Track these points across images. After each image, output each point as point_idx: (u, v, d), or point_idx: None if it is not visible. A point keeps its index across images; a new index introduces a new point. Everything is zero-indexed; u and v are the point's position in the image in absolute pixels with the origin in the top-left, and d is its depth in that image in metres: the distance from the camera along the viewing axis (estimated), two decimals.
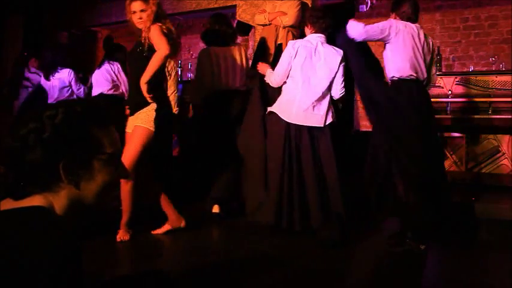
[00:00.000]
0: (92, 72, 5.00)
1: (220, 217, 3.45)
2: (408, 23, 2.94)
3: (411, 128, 2.85)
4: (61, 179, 0.98)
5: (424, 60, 2.93)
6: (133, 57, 2.95)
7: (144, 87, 2.79)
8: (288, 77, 3.18)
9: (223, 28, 3.74)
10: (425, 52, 2.95)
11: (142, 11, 2.83)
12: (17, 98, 5.05)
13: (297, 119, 3.10)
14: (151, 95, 2.80)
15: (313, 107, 3.11)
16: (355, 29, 2.93)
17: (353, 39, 2.94)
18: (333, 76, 3.13)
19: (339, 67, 3.14)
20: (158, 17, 2.86)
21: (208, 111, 3.68)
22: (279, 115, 3.14)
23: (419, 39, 2.92)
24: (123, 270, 2.46)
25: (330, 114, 3.14)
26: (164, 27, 2.82)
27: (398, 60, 2.91)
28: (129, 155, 2.78)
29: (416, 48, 2.91)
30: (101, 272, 2.18)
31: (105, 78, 4.57)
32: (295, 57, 3.14)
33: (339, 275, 2.40)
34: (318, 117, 3.11)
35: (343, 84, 3.17)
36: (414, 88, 2.90)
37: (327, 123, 3.11)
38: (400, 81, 2.91)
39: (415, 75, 2.90)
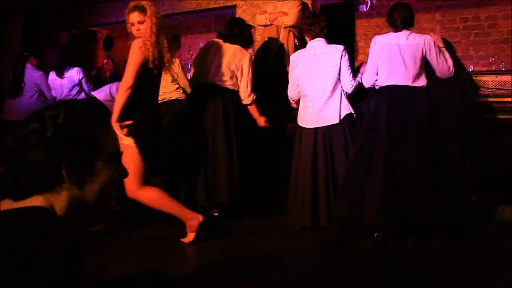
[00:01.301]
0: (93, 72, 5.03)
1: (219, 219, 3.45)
2: (386, 34, 3.09)
3: (382, 134, 2.94)
4: (62, 180, 0.97)
5: (408, 64, 2.97)
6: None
7: (115, 127, 2.63)
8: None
9: (240, 30, 3.60)
10: (410, 55, 2.97)
11: (140, 22, 2.74)
12: (18, 97, 5.03)
13: (311, 123, 3.21)
14: (125, 132, 2.68)
15: (325, 107, 3.18)
16: (365, 81, 3.12)
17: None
18: (337, 73, 3.17)
19: (340, 63, 3.17)
20: (159, 31, 2.75)
21: (190, 107, 3.58)
22: (298, 123, 3.30)
23: (398, 45, 2.99)
24: (123, 270, 2.45)
25: (344, 107, 3.17)
26: (144, 48, 2.68)
27: (378, 72, 3.06)
28: (131, 174, 2.74)
29: (395, 55, 2.99)
30: (101, 272, 2.18)
31: (105, 92, 4.58)
32: (298, 68, 3.28)
33: (339, 275, 2.40)
34: (330, 116, 3.16)
35: (351, 77, 3.17)
36: (393, 93, 2.99)
37: (342, 118, 3.15)
38: (381, 89, 3.06)
39: (394, 82, 2.98)
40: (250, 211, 3.53)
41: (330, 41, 3.28)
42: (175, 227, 3.25)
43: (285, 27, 4.09)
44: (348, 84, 3.16)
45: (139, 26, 2.75)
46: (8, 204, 0.95)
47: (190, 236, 2.86)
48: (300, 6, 4.15)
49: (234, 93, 3.52)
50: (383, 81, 3.04)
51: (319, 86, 3.19)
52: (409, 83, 2.97)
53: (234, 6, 5.20)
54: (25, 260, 0.83)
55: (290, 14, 4.09)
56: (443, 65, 2.99)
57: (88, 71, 6.13)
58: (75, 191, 0.99)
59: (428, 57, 2.99)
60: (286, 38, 4.12)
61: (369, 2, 5.36)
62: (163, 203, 2.82)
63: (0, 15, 6.41)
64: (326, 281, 2.30)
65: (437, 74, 3.02)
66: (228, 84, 3.46)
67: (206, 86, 3.47)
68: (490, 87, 4.25)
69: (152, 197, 2.81)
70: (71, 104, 1.03)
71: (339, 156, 3.12)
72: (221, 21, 6.49)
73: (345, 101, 3.18)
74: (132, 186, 2.75)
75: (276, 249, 2.81)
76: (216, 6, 5.43)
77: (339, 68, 3.17)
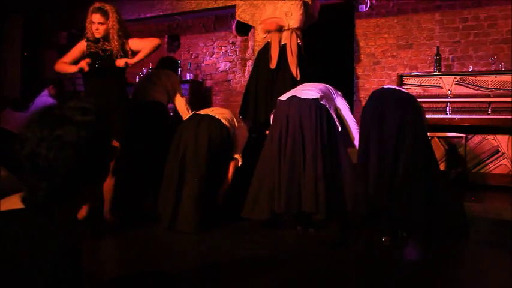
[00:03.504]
0: None
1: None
2: None
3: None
4: (85, 183, 0.98)
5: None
6: (111, 69, 3.19)
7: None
8: None
9: None
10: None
11: (99, 23, 3.13)
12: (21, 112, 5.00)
13: (291, 94, 3.28)
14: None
15: (310, 89, 3.27)
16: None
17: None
18: (327, 92, 3.34)
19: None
20: (124, 36, 3.21)
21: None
22: (279, 98, 3.35)
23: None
24: (123, 270, 2.45)
25: (319, 96, 3.20)
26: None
27: None
28: None
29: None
30: (101, 272, 2.18)
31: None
32: None
33: (339, 275, 2.40)
34: (311, 92, 3.21)
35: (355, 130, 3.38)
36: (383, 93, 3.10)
37: (321, 100, 3.18)
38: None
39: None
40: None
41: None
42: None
43: (290, 29, 4.11)
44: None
45: (99, 26, 3.14)
46: (7, 205, 0.95)
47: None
48: (302, 7, 4.17)
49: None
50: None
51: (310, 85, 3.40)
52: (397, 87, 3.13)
53: (234, 6, 5.20)
54: (25, 260, 0.83)
55: (294, 16, 4.10)
56: None
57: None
58: (83, 189, 1.00)
59: None
60: (289, 39, 4.13)
61: (368, 2, 5.36)
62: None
63: (0, 15, 6.40)
64: (326, 281, 2.30)
65: None
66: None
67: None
68: (489, 87, 4.25)
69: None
70: (85, 107, 1.00)
71: (308, 136, 3.08)
72: (221, 21, 6.50)
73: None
74: None
75: (276, 249, 2.81)
76: (215, 6, 5.42)
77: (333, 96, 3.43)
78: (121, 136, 3.03)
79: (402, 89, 3.14)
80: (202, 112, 3.61)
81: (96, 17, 3.13)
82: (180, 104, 3.85)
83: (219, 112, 3.60)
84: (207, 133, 3.33)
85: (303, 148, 3.07)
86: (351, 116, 3.46)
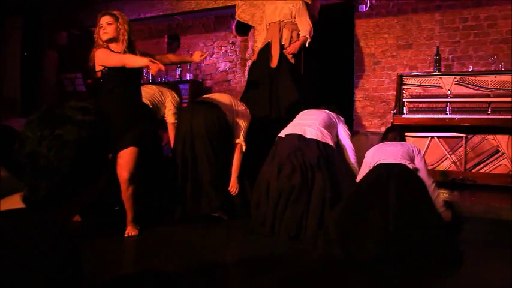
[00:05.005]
0: None
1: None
2: None
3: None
4: (85, 183, 0.97)
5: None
6: (124, 73, 3.04)
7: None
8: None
9: None
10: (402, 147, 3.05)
11: (108, 23, 3.02)
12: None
13: (288, 131, 3.26)
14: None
15: (311, 124, 3.25)
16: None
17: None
18: (328, 121, 3.35)
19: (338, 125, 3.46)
20: (130, 40, 3.09)
21: None
22: (280, 135, 3.33)
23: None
24: (123, 270, 2.46)
25: (320, 136, 3.16)
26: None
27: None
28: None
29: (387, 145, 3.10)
30: (101, 272, 2.18)
31: None
32: None
33: (339, 275, 2.40)
34: (312, 130, 3.19)
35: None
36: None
37: (316, 138, 3.15)
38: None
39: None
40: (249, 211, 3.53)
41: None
42: (175, 227, 3.26)
43: (303, 35, 4.14)
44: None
45: (107, 26, 3.02)
46: (7, 204, 0.95)
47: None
48: (307, 11, 4.18)
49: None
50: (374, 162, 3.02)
51: (309, 116, 3.43)
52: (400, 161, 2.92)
53: (234, 6, 5.20)
54: (25, 259, 0.83)
55: (303, 30, 4.14)
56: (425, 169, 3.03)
57: (87, 73, 6.13)
58: (84, 189, 1.00)
59: (415, 159, 3.00)
60: (289, 39, 4.14)
61: (368, 2, 5.36)
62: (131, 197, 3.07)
63: (0, 15, 6.39)
64: (326, 281, 2.30)
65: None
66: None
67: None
68: (489, 87, 4.25)
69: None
70: (86, 106, 1.00)
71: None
72: (221, 21, 6.50)
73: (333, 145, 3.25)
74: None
75: (276, 249, 2.81)
76: (215, 6, 5.42)
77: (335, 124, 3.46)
78: (135, 143, 2.96)
79: (404, 164, 2.91)
80: (199, 99, 3.63)
81: (105, 19, 3.03)
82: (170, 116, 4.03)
83: (216, 98, 3.58)
84: (204, 123, 3.36)
85: (312, 185, 3.00)
86: (350, 144, 3.47)
